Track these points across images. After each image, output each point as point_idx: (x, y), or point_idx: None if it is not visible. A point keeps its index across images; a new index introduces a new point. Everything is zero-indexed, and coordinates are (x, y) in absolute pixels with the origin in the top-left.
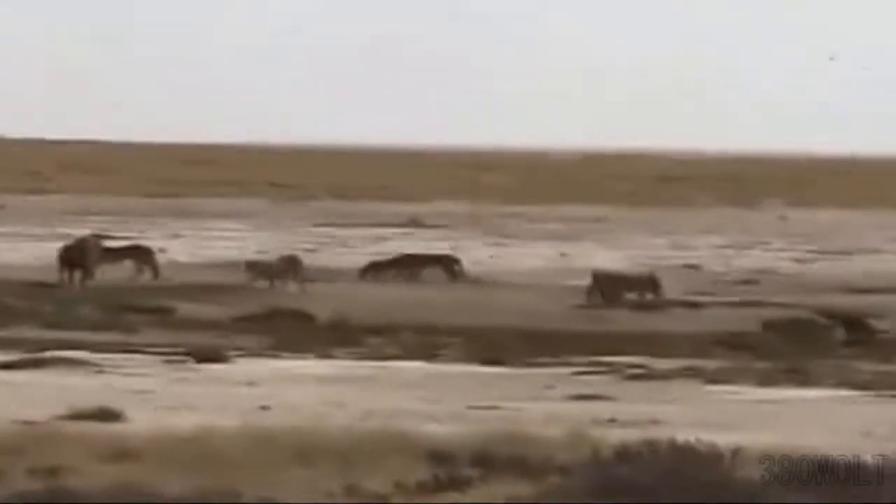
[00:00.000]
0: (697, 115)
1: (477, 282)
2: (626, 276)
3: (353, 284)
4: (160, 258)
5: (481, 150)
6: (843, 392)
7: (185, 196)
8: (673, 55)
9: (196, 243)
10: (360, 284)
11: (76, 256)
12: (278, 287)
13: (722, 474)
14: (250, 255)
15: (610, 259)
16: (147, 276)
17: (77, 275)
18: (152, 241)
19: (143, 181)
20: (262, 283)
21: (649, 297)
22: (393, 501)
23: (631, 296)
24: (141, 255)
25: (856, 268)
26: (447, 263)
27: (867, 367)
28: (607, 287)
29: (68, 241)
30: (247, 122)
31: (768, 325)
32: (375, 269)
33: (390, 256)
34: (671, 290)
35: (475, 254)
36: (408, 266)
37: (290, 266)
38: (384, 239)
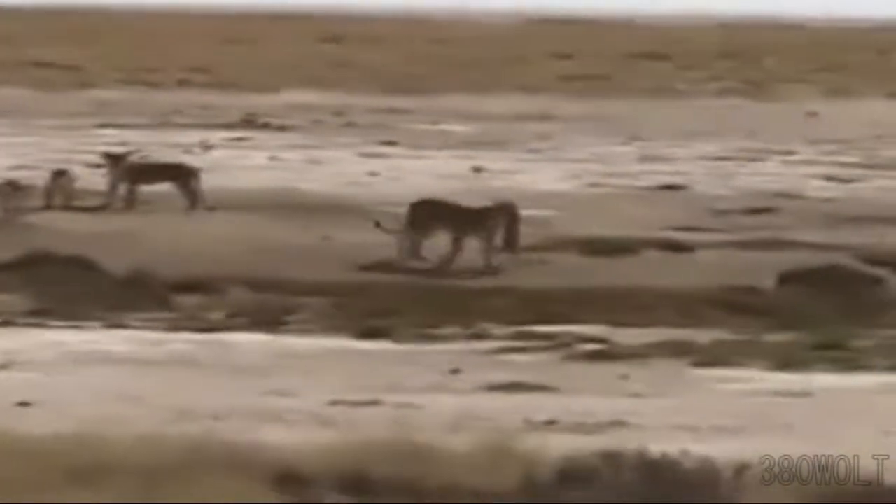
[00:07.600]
0: None
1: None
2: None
3: (155, 217)
4: None
5: (353, 14)
6: None
7: None
8: None
9: None
10: (163, 216)
11: None
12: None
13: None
14: (2, 171)
15: (549, 176)
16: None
17: None
18: None
19: None
20: (21, 213)
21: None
22: None
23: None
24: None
25: None
26: (184, 178)
27: None
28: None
29: None
30: None
31: (787, 278)
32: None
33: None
34: (640, 222)
35: (346, 168)
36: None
37: (56, 187)
38: (203, 147)
